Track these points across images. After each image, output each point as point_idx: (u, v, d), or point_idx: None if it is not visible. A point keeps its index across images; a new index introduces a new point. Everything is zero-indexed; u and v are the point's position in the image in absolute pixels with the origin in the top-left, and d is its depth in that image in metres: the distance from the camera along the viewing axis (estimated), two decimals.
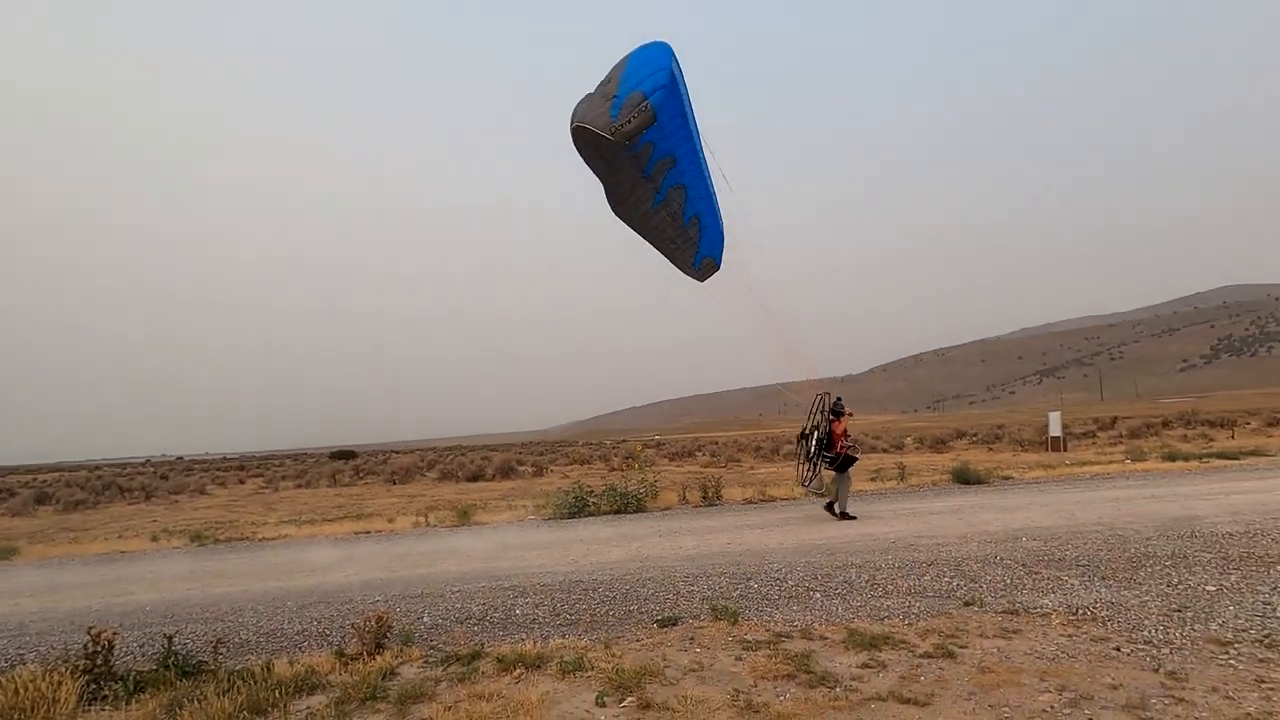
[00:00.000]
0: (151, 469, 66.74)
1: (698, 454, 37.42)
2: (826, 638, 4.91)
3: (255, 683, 4.34)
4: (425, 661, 4.92)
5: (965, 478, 13.80)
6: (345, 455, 66.64)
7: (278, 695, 4.22)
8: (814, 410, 10.17)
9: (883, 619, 5.28)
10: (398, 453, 75.25)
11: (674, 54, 6.04)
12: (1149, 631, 4.68)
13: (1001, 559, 6.79)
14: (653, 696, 3.97)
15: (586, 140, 5.86)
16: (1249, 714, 3.42)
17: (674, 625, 5.42)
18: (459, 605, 6.27)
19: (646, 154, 5.86)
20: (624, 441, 74.95)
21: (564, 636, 5.33)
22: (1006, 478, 14.29)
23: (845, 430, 10.09)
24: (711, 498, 13.12)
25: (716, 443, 49.27)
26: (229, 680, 4.42)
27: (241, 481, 36.71)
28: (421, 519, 12.84)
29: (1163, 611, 5.07)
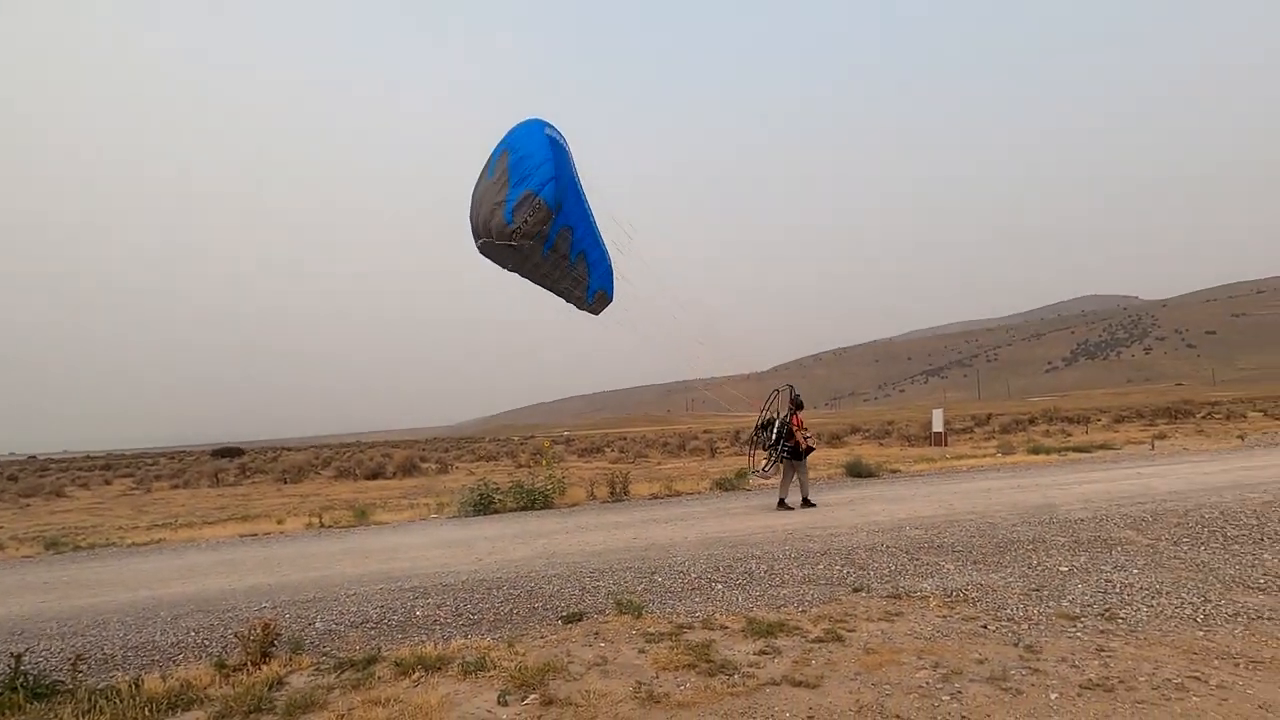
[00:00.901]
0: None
1: (606, 450, 37.60)
2: (726, 627, 5.08)
3: (121, 701, 4.00)
4: (317, 669, 4.70)
5: (858, 471, 14.62)
6: (230, 453, 62.18)
7: (148, 714, 3.92)
8: (771, 402, 10.49)
9: (779, 607, 5.52)
10: (290, 450, 70.91)
11: (548, 126, 6.17)
12: (1011, 610, 5.14)
13: (888, 547, 7.24)
14: (556, 692, 3.98)
15: (491, 251, 6.00)
16: (1090, 679, 3.83)
17: (579, 621, 5.44)
18: (355, 609, 6.02)
19: (546, 235, 5.93)
20: (532, 438, 74.17)
21: (466, 637, 5.23)
22: (895, 471, 15.24)
23: (802, 422, 10.40)
24: (619, 493, 13.23)
25: (625, 439, 49.67)
26: (90, 700, 4.06)
27: (108, 482, 33.50)
28: (315, 519, 12.20)
29: (1023, 591, 5.58)
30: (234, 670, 4.66)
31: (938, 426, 24.24)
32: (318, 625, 5.64)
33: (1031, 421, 41.58)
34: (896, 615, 5.15)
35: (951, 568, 6.43)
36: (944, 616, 5.07)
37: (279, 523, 12.53)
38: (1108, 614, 4.93)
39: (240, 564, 8.41)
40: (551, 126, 6.23)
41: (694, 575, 6.52)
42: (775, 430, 10.28)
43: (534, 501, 12.31)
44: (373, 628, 5.57)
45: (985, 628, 4.77)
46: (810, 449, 10.44)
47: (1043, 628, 4.72)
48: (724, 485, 13.69)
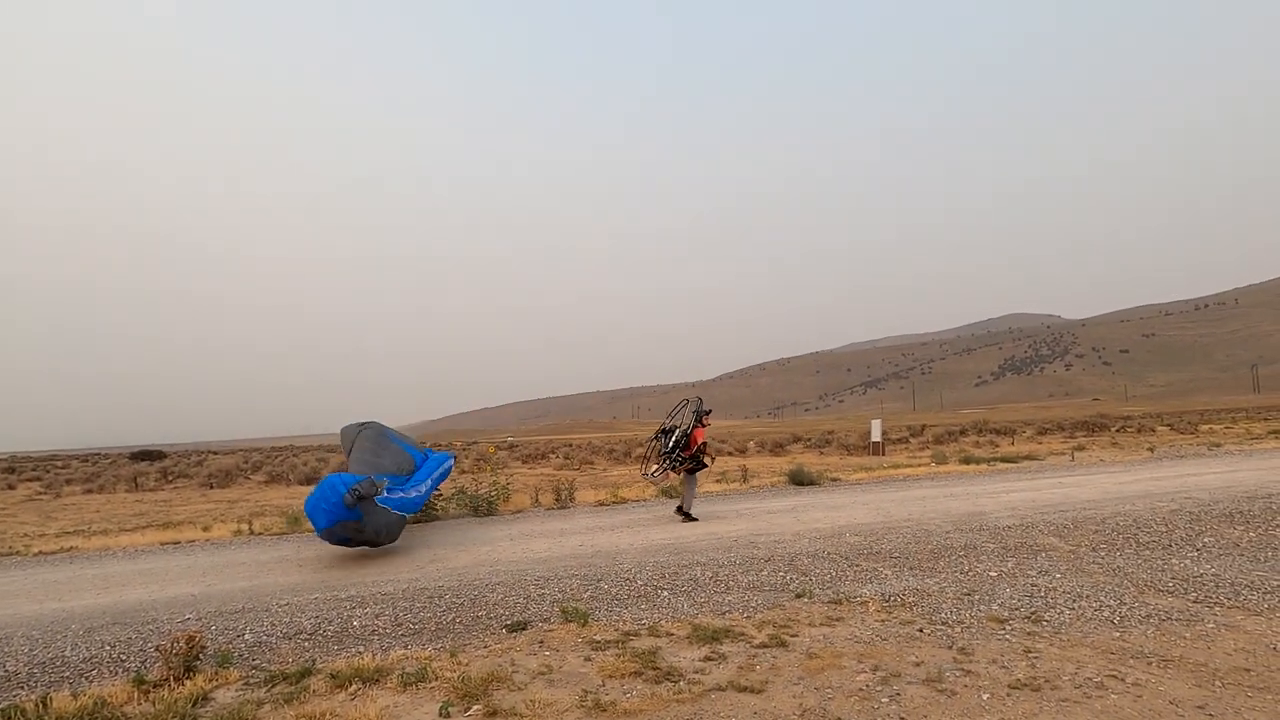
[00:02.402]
0: None
1: (552, 456, 37.27)
2: (672, 634, 5.10)
3: None
4: (246, 683, 4.49)
5: (800, 479, 14.92)
6: (151, 456, 58.72)
7: None
8: (678, 410, 10.46)
9: (724, 613, 5.57)
10: (217, 453, 67.47)
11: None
12: (946, 613, 5.34)
13: (829, 553, 7.41)
14: (500, 703, 3.91)
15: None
16: (1019, 679, 4.01)
17: (523, 629, 5.37)
18: (287, 619, 5.77)
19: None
20: (475, 443, 72.78)
21: (406, 648, 5.10)
22: (835, 479, 15.62)
23: (703, 437, 10.35)
24: (565, 500, 13.11)
25: (570, 445, 49.34)
26: None
27: (11, 486, 31.21)
28: (244, 526, 11.64)
29: (956, 595, 5.81)
30: (154, 686, 4.41)
31: (876, 436, 25.02)
32: (247, 637, 5.38)
33: (963, 433, 43.38)
34: (837, 620, 5.28)
35: (889, 573, 6.63)
36: (882, 621, 5.22)
37: (205, 530, 11.91)
38: (1034, 617, 5.18)
39: (162, 573, 7.95)
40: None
41: (640, 582, 6.52)
42: (673, 439, 10.28)
43: (477, 508, 12.07)
44: (307, 639, 5.36)
45: (921, 631, 4.94)
46: (703, 465, 10.25)
47: (974, 631, 4.92)
48: (669, 493, 13.74)
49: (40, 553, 10.33)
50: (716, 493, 14.02)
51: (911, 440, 40.65)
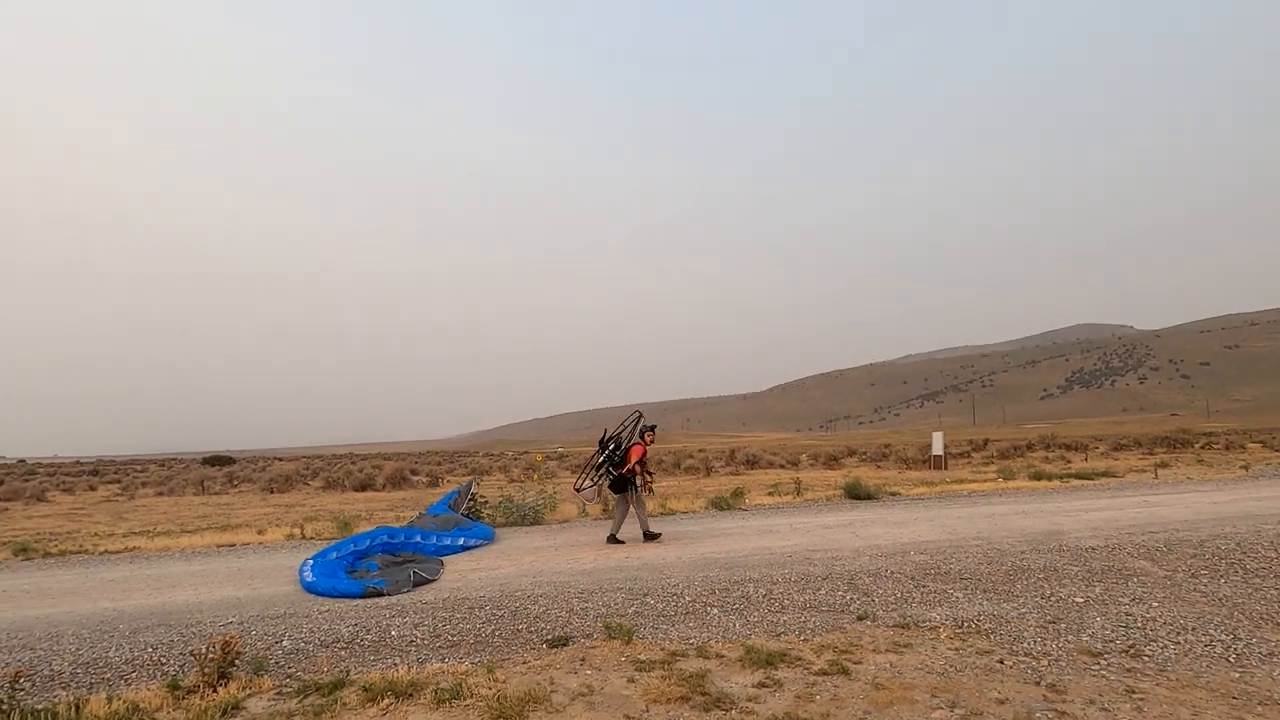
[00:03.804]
0: None
1: None
2: (723, 656, 4.74)
3: None
4: (279, 693, 4.34)
5: (857, 493, 14.27)
6: (221, 461, 61.27)
7: None
8: (626, 423, 9.52)
9: (779, 635, 5.17)
10: (281, 460, 69.96)
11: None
12: (1028, 643, 4.81)
13: (892, 572, 6.90)
14: None
15: None
16: None
17: (565, 645, 5.09)
18: (326, 626, 5.64)
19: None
20: (525, 453, 73.51)
21: (443, 660, 4.87)
22: (894, 494, 14.89)
23: (644, 456, 9.22)
24: (611, 511, 12.84)
25: None
26: None
27: (92, 488, 32.90)
28: (297, 530, 11.79)
29: (1039, 623, 5.25)
30: (188, 692, 4.30)
31: (938, 449, 23.91)
32: (285, 644, 5.26)
33: (1029, 447, 41.29)
34: (905, 646, 4.81)
35: (961, 596, 6.09)
36: (956, 649, 4.73)
37: (259, 533, 12.11)
38: (1133, 651, 4.60)
39: (212, 575, 8.01)
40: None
41: (688, 599, 6.16)
42: (606, 454, 9.32)
43: (523, 517, 11.92)
44: (344, 647, 5.20)
45: (1002, 663, 4.43)
46: (630, 482, 9.10)
47: (1064, 665, 4.38)
48: (719, 505, 13.32)
49: (105, 552, 10.65)
50: (769, 505, 13.52)
51: (974, 454, 38.90)
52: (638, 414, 9.76)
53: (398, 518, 13.81)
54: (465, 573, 7.57)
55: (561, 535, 10.37)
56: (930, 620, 5.40)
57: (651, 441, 9.47)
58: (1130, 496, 12.97)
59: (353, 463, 45.89)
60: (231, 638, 4.62)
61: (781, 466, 33.13)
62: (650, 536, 9.21)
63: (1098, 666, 4.33)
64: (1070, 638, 4.91)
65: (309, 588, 6.82)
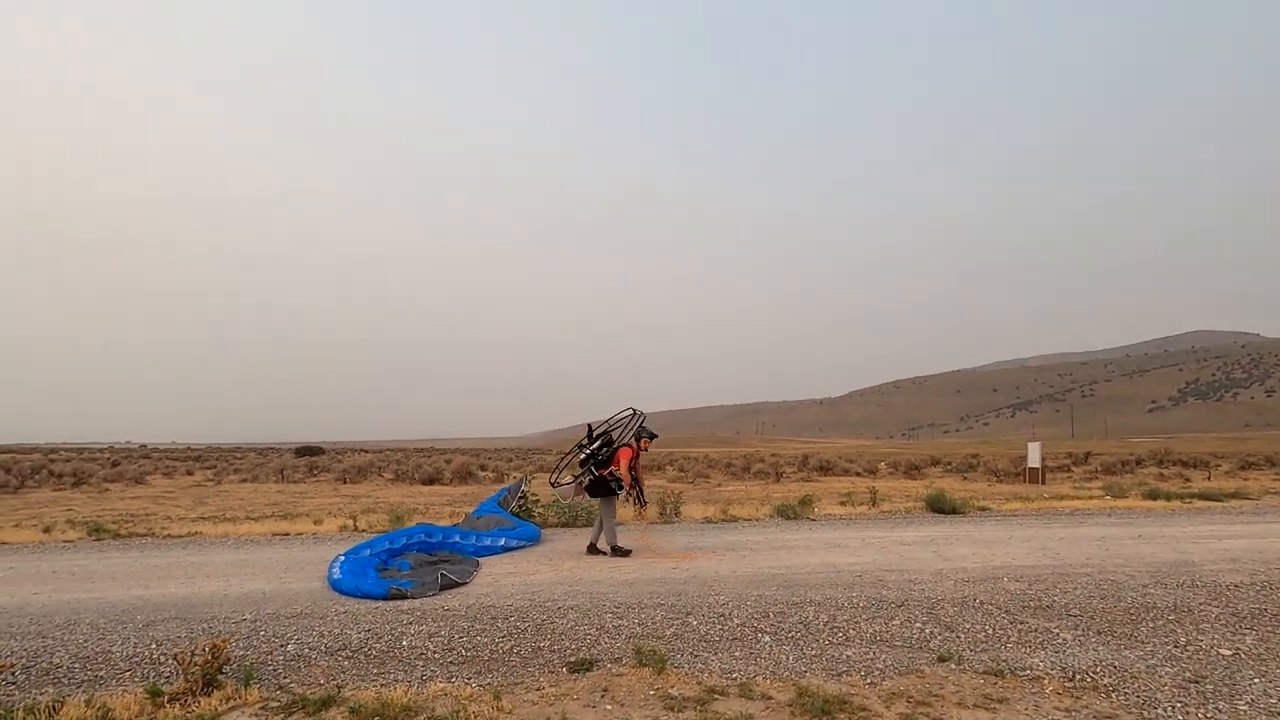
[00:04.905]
0: (108, 455, 63.98)
1: (667, 468, 36.41)
2: (770, 697, 3.96)
3: None
4: (264, 707, 3.89)
5: (940, 506, 12.98)
6: (310, 451, 64.36)
7: None
8: (623, 420, 8.40)
9: (841, 674, 4.33)
10: (366, 451, 72.95)
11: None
12: (1164, 708, 3.79)
13: (981, 602, 5.88)
14: None
15: None
16: None
17: (587, 671, 4.43)
18: (338, 630, 5.20)
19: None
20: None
21: (450, 679, 4.31)
22: (983, 508, 13.49)
23: (634, 461, 8.21)
24: (670, 514, 12.14)
25: (688, 458, 48.33)
26: None
27: (190, 473, 34.98)
28: (350, 522, 11.69)
29: (1176, 682, 4.18)
30: (170, 700, 3.90)
31: (1034, 462, 21.86)
32: (289, 648, 4.85)
33: (1139, 463, 37.61)
34: (999, 701, 3.89)
35: (1069, 637, 5.04)
36: (1067, 711, 3.77)
37: (316, 523, 12.09)
38: None
39: (252, 565, 7.83)
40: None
41: (737, 621, 5.38)
42: (592, 448, 8.21)
43: (576, 518, 11.40)
44: (348, 657, 4.73)
45: None
46: (611, 488, 8.10)
47: None
48: (786, 513, 12.38)
49: (168, 536, 10.82)
50: (840, 516, 12.46)
51: (1074, 469, 35.78)
52: (637, 413, 8.52)
53: (453, 513, 13.60)
54: (499, 577, 7.05)
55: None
56: (1031, 668, 4.42)
57: (645, 449, 8.44)
58: (1272, 524, 11.15)
59: (427, 456, 47.11)
60: (221, 642, 4.22)
61: (857, 474, 31.46)
62: (617, 551, 8.15)
63: None
64: (1221, 703, 3.85)
65: (334, 585, 6.47)
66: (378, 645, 4.92)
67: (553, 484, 8.95)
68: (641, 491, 8.43)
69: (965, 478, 29.29)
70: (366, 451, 72.81)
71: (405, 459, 39.51)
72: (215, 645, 4.18)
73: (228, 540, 10.26)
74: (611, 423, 8.54)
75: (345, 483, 26.09)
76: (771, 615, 5.52)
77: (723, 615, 5.52)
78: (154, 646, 4.90)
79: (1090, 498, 16.28)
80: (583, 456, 8.35)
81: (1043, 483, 21.57)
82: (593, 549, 8.22)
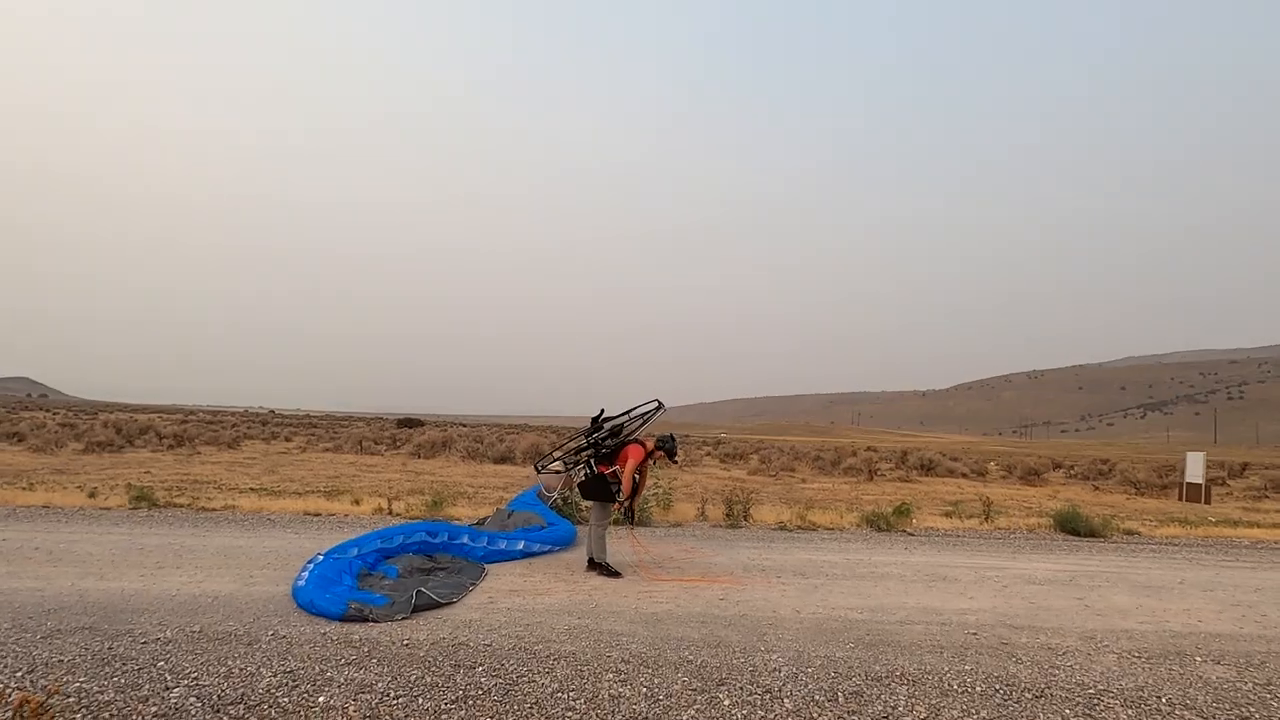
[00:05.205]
0: (231, 419, 68.79)
1: (751, 457, 34.41)
2: None
3: None
4: None
5: (1073, 526, 10.56)
6: (411, 424, 66.10)
7: None
8: (643, 412, 6.95)
9: None
10: (465, 425, 74.66)
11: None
12: None
13: (1170, 701, 3.90)
14: None
15: None
16: None
17: None
18: (254, 667, 3.95)
19: None
20: (687, 436, 72.31)
21: None
22: (1130, 532, 10.92)
23: (643, 464, 6.70)
24: (737, 517, 10.46)
25: (774, 447, 45.96)
26: None
27: (288, 439, 36.40)
28: (386, 504, 10.78)
29: None
30: None
31: (1195, 476, 18.31)
32: (174, 694, 3.63)
33: None
34: None
35: None
36: None
37: (355, 503, 11.28)
38: None
39: (240, 555, 6.88)
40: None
41: (789, 705, 3.71)
42: (596, 436, 6.71)
43: (628, 514, 9.94)
44: (243, 712, 3.45)
45: None
46: (608, 492, 6.55)
47: None
48: (876, 523, 10.40)
49: (203, 509, 10.27)
50: (945, 531, 10.34)
51: (1230, 482, 30.78)
52: (661, 407, 7.01)
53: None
54: (498, 596, 5.65)
55: (659, 546, 8.21)
56: None
57: (660, 457, 6.79)
58: None
59: (511, 433, 47.32)
60: (39, 699, 3.01)
61: (964, 475, 28.28)
62: (603, 569, 6.49)
63: None
64: None
65: (294, 595, 5.30)
66: (285, 699, 3.62)
67: (538, 469, 7.61)
68: (633, 507, 6.86)
69: (1096, 487, 25.54)
70: (464, 425, 74.69)
71: (487, 435, 39.64)
72: (35, 704, 2.98)
73: (254, 517, 9.56)
74: (632, 417, 6.96)
75: (418, 457, 25.97)
76: (841, 698, 3.80)
77: (770, 691, 3.85)
78: (18, 673, 3.82)
79: (1274, 525, 13.11)
80: (582, 444, 6.88)
81: (1206, 502, 17.97)
82: (592, 564, 6.66)
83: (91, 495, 11.12)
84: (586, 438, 6.85)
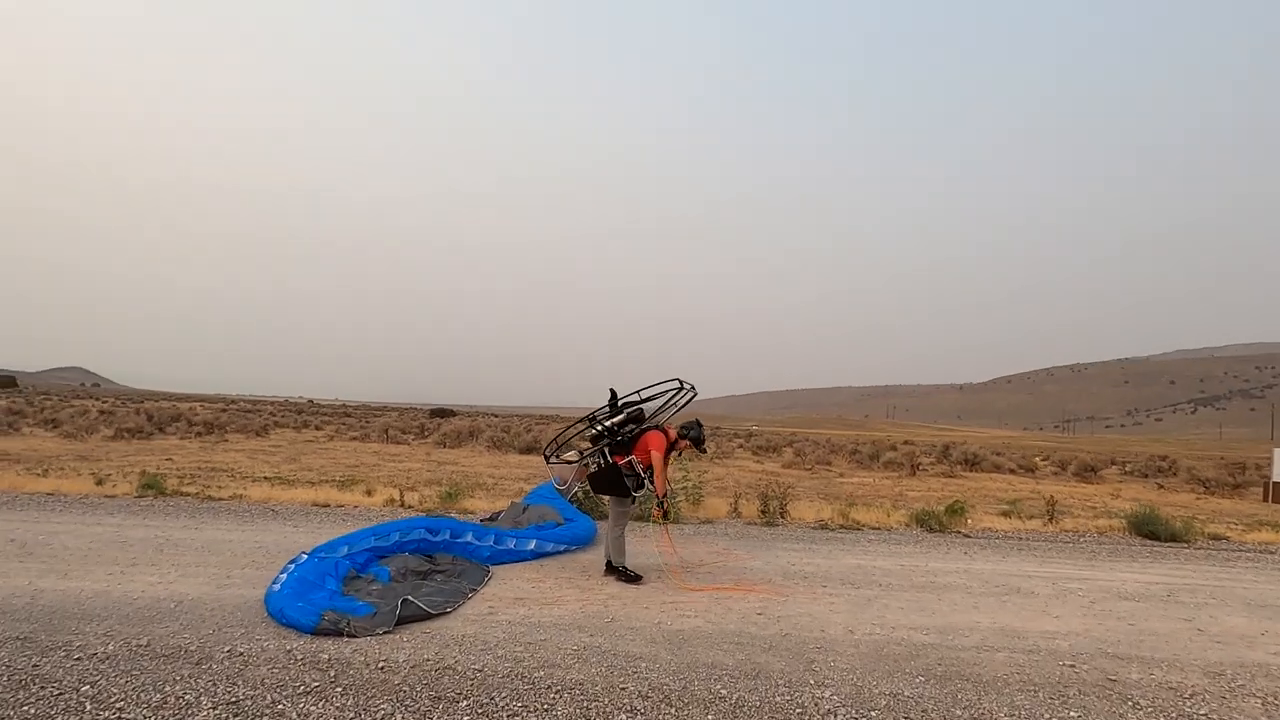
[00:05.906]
0: (271, 409, 69.53)
1: (785, 450, 33.34)
2: None
3: None
4: None
5: (1152, 529, 9.45)
6: (443, 414, 66.05)
7: None
8: (671, 395, 6.16)
9: None
10: (496, 415, 74.69)
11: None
12: None
13: None
14: None
15: None
16: None
17: None
18: (194, 696, 3.27)
19: None
20: (719, 428, 71.24)
21: None
22: (1216, 536, 9.76)
23: (667, 454, 5.75)
24: (773, 514, 9.60)
25: (809, 440, 44.73)
26: None
27: (318, 428, 36.44)
28: (397, 495, 10.19)
29: None
30: None
31: None
32: None
33: None
34: None
35: None
36: None
37: (368, 494, 10.72)
38: None
39: (221, 551, 6.27)
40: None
41: None
42: (614, 422, 5.83)
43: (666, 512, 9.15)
44: None
45: None
46: (626, 486, 5.67)
47: None
48: (928, 523, 9.45)
49: (209, 498, 9.81)
50: (1005, 532, 9.34)
51: None
52: (685, 387, 6.14)
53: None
54: (500, 606, 4.91)
55: (688, 546, 7.42)
56: None
57: (686, 447, 5.95)
58: None
59: (541, 423, 46.90)
60: None
61: (1012, 471, 26.83)
62: (623, 574, 5.70)
63: None
64: None
65: (266, 601, 4.63)
66: None
67: (547, 458, 6.69)
68: (665, 500, 5.84)
69: (1160, 485, 23.93)
70: (495, 415, 74.77)
71: (513, 425, 39.23)
72: None
73: (259, 508, 9.06)
74: (662, 396, 6.13)
75: (443, 446, 25.56)
76: None
77: None
78: None
79: None
80: (596, 431, 5.97)
81: None
82: (611, 568, 5.86)
83: (99, 482, 10.74)
84: (601, 424, 5.96)
